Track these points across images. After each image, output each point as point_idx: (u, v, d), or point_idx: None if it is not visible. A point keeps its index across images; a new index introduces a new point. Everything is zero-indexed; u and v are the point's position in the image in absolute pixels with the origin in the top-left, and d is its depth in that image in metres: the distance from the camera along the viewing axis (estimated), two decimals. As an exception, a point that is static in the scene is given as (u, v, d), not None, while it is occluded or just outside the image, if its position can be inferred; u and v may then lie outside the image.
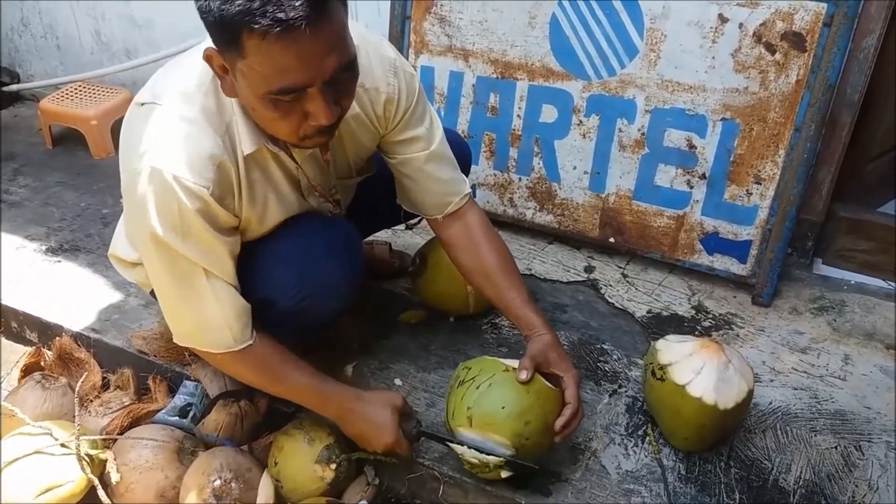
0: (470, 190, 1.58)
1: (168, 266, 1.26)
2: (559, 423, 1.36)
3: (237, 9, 1.00)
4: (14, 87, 3.11)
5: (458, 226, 1.56)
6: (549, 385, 1.39)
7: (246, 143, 1.25)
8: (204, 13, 1.06)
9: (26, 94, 3.14)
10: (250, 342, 1.34)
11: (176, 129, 1.20)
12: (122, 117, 2.84)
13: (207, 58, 1.14)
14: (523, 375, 1.37)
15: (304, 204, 1.44)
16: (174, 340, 1.39)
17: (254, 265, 1.36)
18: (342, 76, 1.12)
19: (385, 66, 1.39)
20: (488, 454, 1.35)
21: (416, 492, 1.55)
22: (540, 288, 2.04)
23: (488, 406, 1.35)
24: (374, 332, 1.85)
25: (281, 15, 0.99)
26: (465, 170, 1.78)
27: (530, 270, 2.10)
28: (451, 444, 1.40)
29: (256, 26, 1.00)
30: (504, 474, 1.38)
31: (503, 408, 1.34)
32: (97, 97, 2.77)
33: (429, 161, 1.50)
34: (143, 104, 1.25)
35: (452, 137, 1.67)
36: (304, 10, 1.00)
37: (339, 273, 1.42)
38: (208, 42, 1.15)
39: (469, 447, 1.36)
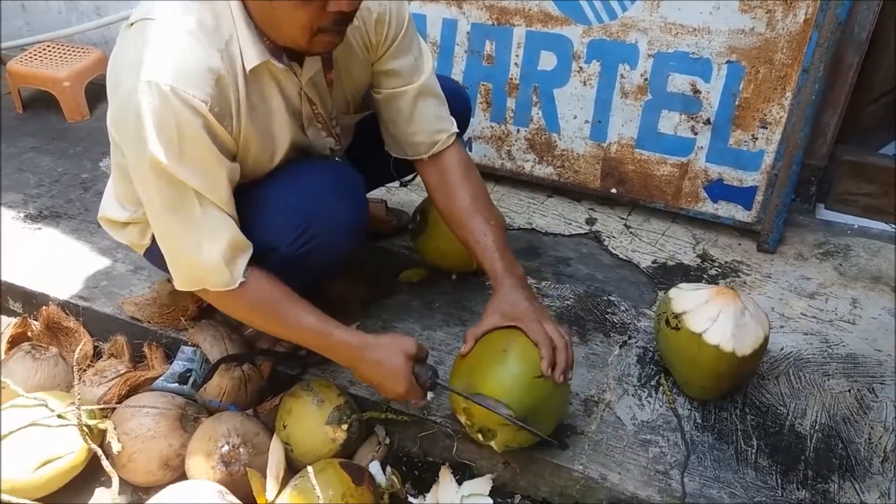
0: (456, 129, 1.51)
1: (165, 195, 1.19)
2: (543, 365, 1.27)
3: None
4: (-23, 49, 2.96)
5: (438, 167, 1.50)
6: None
7: (249, 56, 1.18)
8: None
9: (-9, 56, 2.99)
10: (251, 275, 1.27)
11: (172, 40, 1.13)
12: (96, 78, 2.73)
13: None
14: (463, 349, 1.34)
15: (302, 138, 1.37)
16: (176, 286, 1.32)
17: (254, 210, 1.30)
18: None
19: None
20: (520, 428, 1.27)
21: (427, 449, 1.52)
22: (542, 242, 1.99)
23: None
24: (375, 291, 1.80)
25: None
26: (464, 122, 1.72)
27: (531, 224, 2.05)
28: (465, 398, 1.33)
29: None
30: (515, 438, 1.31)
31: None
32: (68, 57, 2.64)
33: (419, 96, 1.44)
34: (132, 24, 1.17)
35: (449, 85, 1.60)
36: None
37: (343, 214, 1.35)
38: None
39: (485, 406, 1.29)
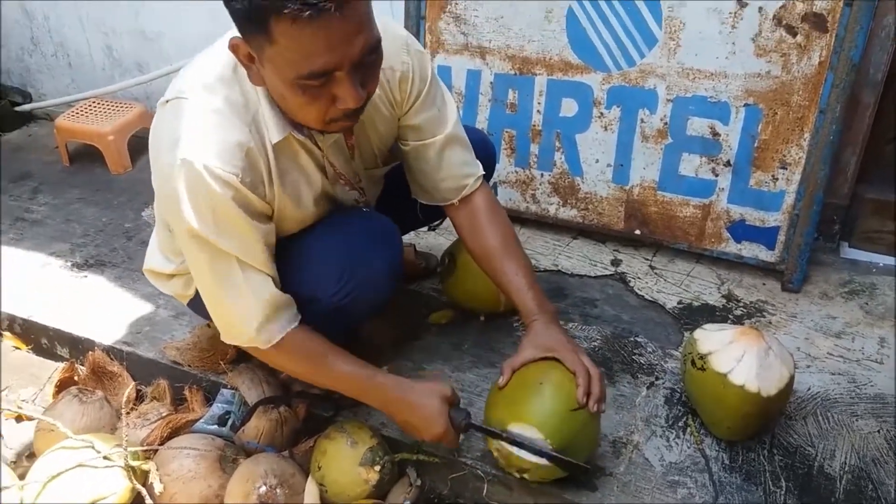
0: (483, 172, 1.58)
1: (206, 261, 1.27)
2: (579, 393, 1.32)
3: None
4: (27, 106, 3.13)
5: (467, 209, 1.56)
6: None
7: (273, 131, 1.26)
8: (230, 3, 1.07)
9: (39, 113, 3.15)
10: (289, 332, 1.34)
11: (203, 119, 1.21)
12: (138, 131, 2.87)
13: (233, 47, 1.15)
14: (500, 381, 1.39)
15: (331, 191, 1.44)
16: (222, 339, 1.40)
17: (296, 263, 1.37)
18: (368, 58, 1.13)
19: (398, 44, 1.39)
20: (538, 452, 1.32)
21: (458, 492, 1.55)
22: (568, 283, 2.03)
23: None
24: (405, 333, 1.85)
25: None
26: (490, 169, 1.79)
27: (557, 266, 2.10)
28: (498, 439, 1.36)
29: (286, 10, 1.01)
30: (550, 473, 1.36)
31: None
32: (112, 112, 2.78)
33: (445, 145, 1.51)
34: (167, 101, 1.27)
35: (475, 136, 1.67)
36: None
37: (380, 265, 1.42)
38: (223, 40, 1.17)
39: (519, 444, 1.33)
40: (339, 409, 1.64)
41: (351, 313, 1.43)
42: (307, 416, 1.65)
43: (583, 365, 1.35)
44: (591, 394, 1.33)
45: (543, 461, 1.31)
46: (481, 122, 2.18)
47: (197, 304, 1.52)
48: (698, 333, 1.53)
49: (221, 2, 1.08)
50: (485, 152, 1.68)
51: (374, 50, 1.13)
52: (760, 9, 1.79)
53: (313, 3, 1.00)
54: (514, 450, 1.33)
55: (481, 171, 1.57)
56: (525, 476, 1.36)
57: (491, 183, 2.20)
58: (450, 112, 1.51)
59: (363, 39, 1.09)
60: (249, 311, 1.30)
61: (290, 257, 1.37)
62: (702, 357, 1.48)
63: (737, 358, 1.44)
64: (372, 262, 1.41)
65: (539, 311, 1.45)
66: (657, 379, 1.69)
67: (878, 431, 1.53)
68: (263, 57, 1.11)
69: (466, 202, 1.56)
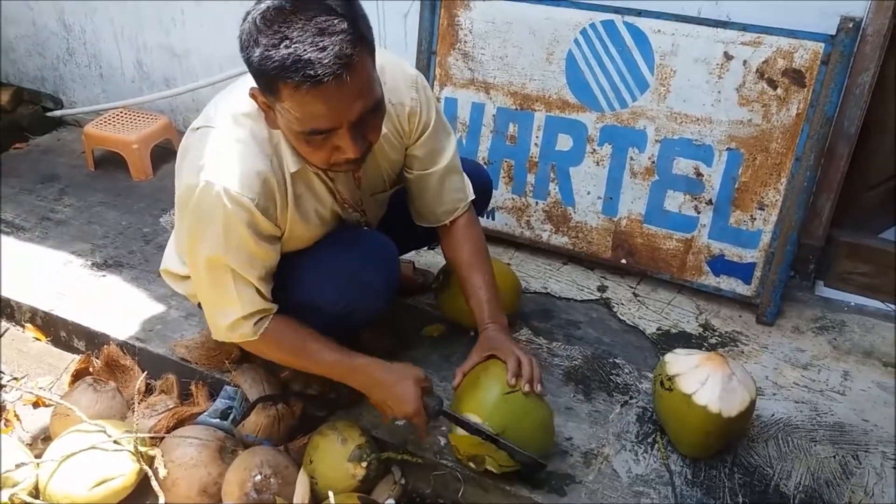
0: (472, 196, 1.75)
1: (207, 270, 1.43)
2: (507, 377, 1.50)
3: (273, 65, 1.16)
4: (58, 112, 3.29)
5: (453, 227, 1.74)
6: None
7: (290, 163, 1.42)
8: (246, 62, 1.23)
9: (69, 119, 3.32)
10: (269, 325, 1.49)
11: (228, 148, 1.37)
12: (161, 142, 3.02)
13: (253, 96, 1.32)
14: (454, 383, 1.58)
15: (340, 213, 1.60)
16: (213, 336, 1.55)
17: (302, 274, 1.52)
18: (368, 117, 1.28)
19: (408, 83, 1.56)
20: (490, 439, 1.46)
21: (439, 492, 1.66)
22: (555, 305, 2.16)
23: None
24: (399, 344, 1.98)
25: (311, 72, 1.14)
26: (486, 197, 1.95)
27: (546, 289, 2.22)
28: (463, 427, 1.50)
29: (290, 80, 1.16)
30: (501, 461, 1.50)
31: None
32: (138, 123, 2.94)
33: (445, 174, 1.68)
34: (197, 128, 1.43)
35: (473, 168, 1.85)
36: (331, 68, 1.15)
37: (379, 283, 1.58)
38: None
39: (484, 435, 1.47)
40: (334, 409, 1.76)
41: (349, 322, 1.59)
42: (303, 414, 1.78)
43: (514, 354, 1.54)
44: (520, 376, 1.51)
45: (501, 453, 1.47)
46: (483, 152, 2.32)
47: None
48: (668, 357, 1.66)
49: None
50: (481, 185, 1.86)
51: (373, 109, 1.28)
52: (745, 62, 1.94)
53: (313, 76, 1.14)
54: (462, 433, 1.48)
55: (472, 196, 1.75)
56: (489, 467, 1.51)
57: (489, 208, 2.35)
58: (451, 145, 1.68)
59: (361, 104, 1.24)
60: (235, 313, 1.46)
61: (298, 268, 1.52)
62: (670, 378, 1.60)
63: (701, 381, 1.56)
64: (371, 279, 1.56)
65: (490, 321, 1.64)
66: (631, 398, 1.81)
67: (834, 457, 1.64)
68: (275, 108, 1.27)
69: (451, 224, 1.74)
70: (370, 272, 1.56)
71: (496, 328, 1.63)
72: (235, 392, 1.79)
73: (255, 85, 1.28)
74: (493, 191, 2.31)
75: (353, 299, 1.54)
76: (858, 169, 2.14)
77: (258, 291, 1.46)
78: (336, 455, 1.59)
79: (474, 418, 1.48)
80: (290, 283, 1.52)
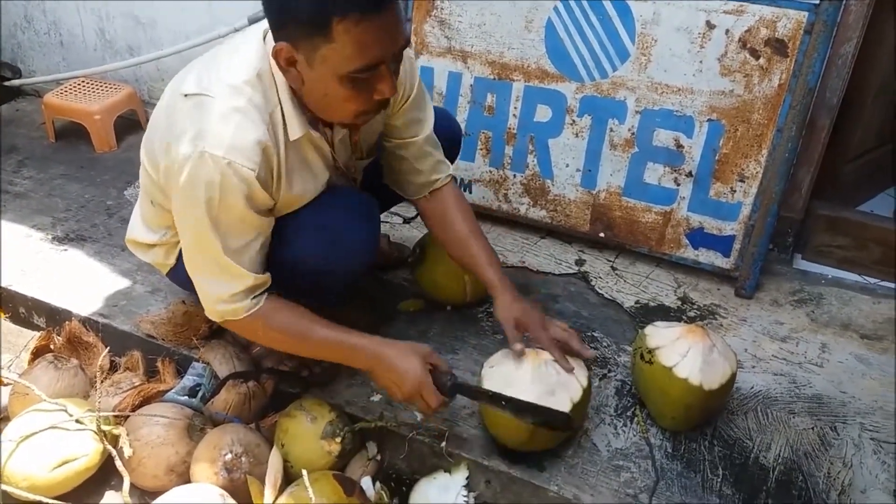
0: (451, 171, 1.72)
1: (199, 244, 1.37)
2: (564, 364, 1.51)
3: (331, 2, 1.16)
4: (16, 81, 3.15)
5: (437, 202, 1.70)
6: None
7: (293, 128, 1.37)
8: (290, 11, 1.20)
9: (28, 89, 3.18)
10: (265, 303, 1.43)
11: (228, 118, 1.30)
12: (125, 112, 2.91)
13: (276, 52, 1.27)
14: (518, 348, 1.51)
15: (332, 181, 1.55)
16: (207, 315, 1.48)
17: (286, 229, 1.46)
18: (401, 52, 1.30)
19: None
20: (522, 408, 1.42)
21: (415, 467, 1.63)
22: (533, 280, 2.12)
23: None
24: (377, 319, 1.93)
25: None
26: (455, 146, 1.92)
27: (524, 263, 2.19)
28: (483, 399, 1.47)
29: (351, 12, 1.16)
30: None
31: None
32: (100, 92, 2.83)
33: (425, 145, 1.64)
34: (187, 95, 1.35)
35: (443, 114, 1.82)
36: None
37: (359, 238, 1.52)
38: (245, 42, 1.32)
39: (505, 402, 1.42)
40: (308, 386, 1.71)
41: (333, 278, 1.52)
42: (275, 391, 1.73)
43: (552, 341, 1.53)
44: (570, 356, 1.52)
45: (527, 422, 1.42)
46: (460, 123, 2.25)
47: (176, 274, 1.60)
48: (648, 329, 1.63)
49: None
50: (451, 132, 1.83)
51: (407, 42, 1.30)
52: (727, 31, 1.90)
53: (374, 2, 1.17)
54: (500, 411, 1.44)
55: (450, 171, 1.71)
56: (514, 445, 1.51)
57: (466, 181, 2.30)
58: (430, 116, 1.64)
59: (404, 34, 1.27)
60: (230, 288, 1.39)
61: (282, 226, 1.46)
62: (650, 351, 1.57)
63: (682, 353, 1.53)
64: (353, 233, 1.50)
65: (507, 286, 1.61)
66: (609, 371, 1.78)
67: (812, 428, 1.63)
68: (315, 57, 1.23)
69: (435, 195, 1.69)
70: (352, 225, 1.51)
71: (516, 297, 1.60)
72: (204, 369, 1.73)
73: (281, 42, 1.24)
74: (470, 163, 2.28)
75: (334, 253, 1.47)
76: (839, 141, 2.13)
77: (253, 264, 1.40)
78: (307, 434, 1.54)
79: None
80: (274, 240, 1.46)
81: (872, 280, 2.16)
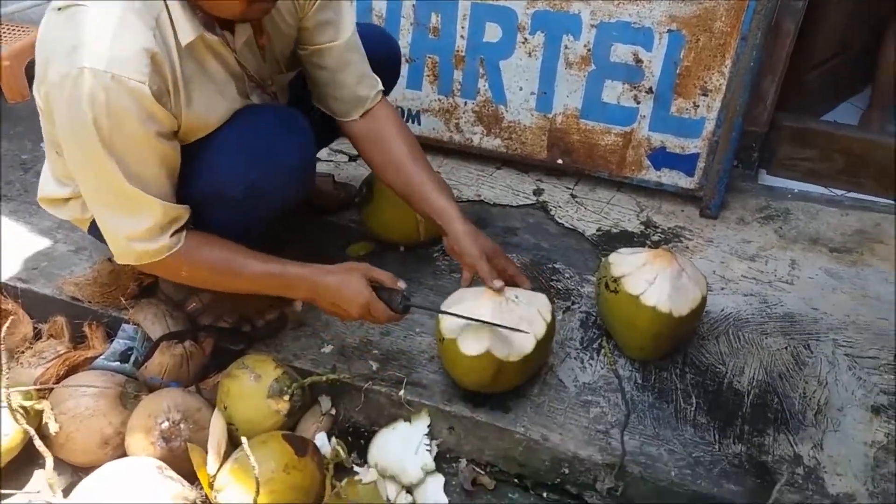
0: (382, 87, 1.55)
1: (96, 175, 1.20)
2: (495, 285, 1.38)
3: None
4: (-88, 30, 2.86)
5: (370, 124, 1.53)
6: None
7: (184, 31, 1.19)
8: None
9: (-74, 38, 2.89)
10: (187, 239, 1.29)
11: (104, 25, 1.12)
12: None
13: None
14: (499, 285, 1.38)
15: (245, 101, 1.37)
16: (116, 260, 1.33)
17: (196, 157, 1.29)
18: None
19: None
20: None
21: (373, 419, 1.52)
22: (490, 213, 2.00)
23: None
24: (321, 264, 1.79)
25: None
26: (394, 68, 1.76)
27: (479, 196, 2.06)
28: (440, 313, 1.39)
29: None
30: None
31: None
32: (7, 36, 2.56)
33: (345, 51, 1.47)
34: (60, 8, 1.16)
35: (377, 32, 1.67)
36: None
37: (289, 153, 1.35)
38: None
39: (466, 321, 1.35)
40: (251, 341, 1.58)
41: (258, 210, 1.36)
42: (215, 350, 1.59)
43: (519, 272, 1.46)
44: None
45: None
46: (403, 48, 2.08)
47: (97, 229, 1.42)
48: (612, 257, 1.53)
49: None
50: (386, 49, 1.66)
51: None
52: (684, -72, 1.75)
53: None
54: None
55: (381, 86, 1.54)
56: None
57: (414, 112, 2.14)
58: (349, 21, 1.46)
59: None
60: (142, 225, 1.24)
61: (192, 153, 1.29)
62: (615, 280, 1.47)
63: (649, 280, 1.43)
64: (280, 151, 1.33)
65: (461, 214, 1.44)
66: (573, 303, 1.68)
67: (786, 348, 1.57)
68: None
69: (368, 117, 1.52)
70: (279, 142, 1.34)
71: (472, 226, 1.44)
72: (135, 331, 1.58)
73: None
74: (417, 91, 2.11)
75: (260, 177, 1.30)
76: (803, 47, 2.01)
77: (164, 195, 1.24)
78: (252, 394, 1.41)
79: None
80: (184, 173, 1.29)
81: (839, 192, 2.09)
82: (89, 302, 1.69)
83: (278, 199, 1.38)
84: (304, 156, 1.40)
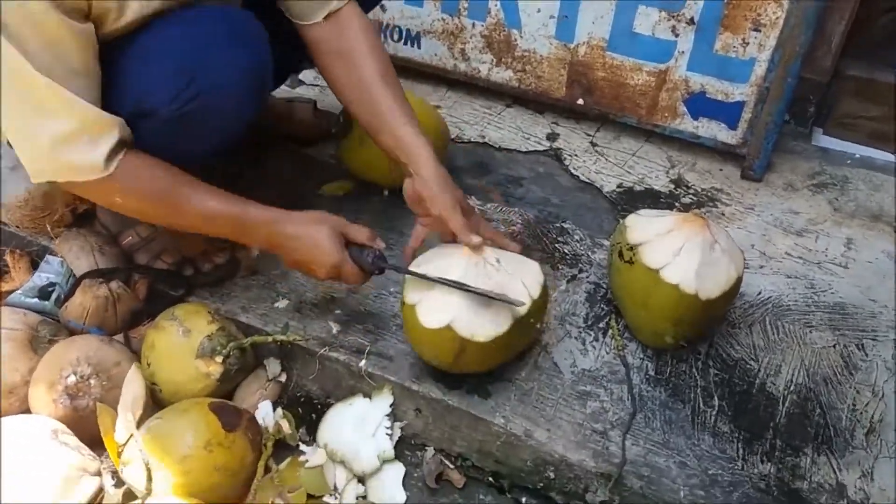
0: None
1: (6, 74, 0.95)
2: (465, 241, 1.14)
3: None
4: None
5: (334, 27, 1.24)
6: None
7: None
8: None
9: None
10: (124, 156, 1.03)
11: None
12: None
13: None
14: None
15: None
16: (32, 180, 1.07)
17: (121, 65, 1.04)
18: None
19: None
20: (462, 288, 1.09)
21: (329, 390, 1.28)
22: (494, 158, 1.72)
23: None
24: (289, 205, 1.53)
25: None
26: None
27: (483, 137, 1.77)
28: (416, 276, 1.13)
29: None
30: None
31: None
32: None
33: None
34: None
35: None
36: None
37: (237, 63, 1.08)
38: None
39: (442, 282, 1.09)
40: (193, 287, 1.34)
41: (198, 132, 1.10)
42: (151, 294, 1.35)
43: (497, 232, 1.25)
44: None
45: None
46: (405, -45, 1.78)
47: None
48: (631, 220, 1.25)
49: None
50: None
51: None
52: None
53: None
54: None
55: None
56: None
57: (413, 33, 1.85)
58: None
59: None
60: (62, 124, 0.99)
61: (120, 57, 1.04)
62: (631, 248, 1.19)
63: (673, 251, 1.16)
64: (226, 61, 1.07)
65: (425, 150, 1.18)
66: (581, 272, 1.41)
67: (834, 346, 1.29)
68: None
69: (333, 20, 1.23)
70: (223, 51, 1.07)
71: (445, 173, 1.19)
72: (62, 264, 1.35)
73: None
74: (417, 8, 1.81)
75: (199, 92, 1.05)
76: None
77: (83, 94, 0.99)
78: (179, 351, 1.17)
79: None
80: (107, 85, 1.04)
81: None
82: (17, 227, 1.45)
83: (220, 119, 1.11)
84: (254, 68, 1.12)
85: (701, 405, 1.19)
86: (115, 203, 1.11)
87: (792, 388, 1.22)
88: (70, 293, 1.28)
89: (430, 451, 1.23)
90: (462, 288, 1.08)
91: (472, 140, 1.77)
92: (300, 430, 1.25)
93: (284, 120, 1.70)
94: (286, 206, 1.47)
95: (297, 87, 1.93)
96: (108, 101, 1.04)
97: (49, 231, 1.40)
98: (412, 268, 1.14)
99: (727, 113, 1.64)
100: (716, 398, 1.20)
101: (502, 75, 1.82)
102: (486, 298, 1.07)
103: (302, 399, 1.30)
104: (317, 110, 1.73)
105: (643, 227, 1.22)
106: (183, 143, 1.10)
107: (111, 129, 1.02)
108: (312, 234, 1.14)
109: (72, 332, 1.28)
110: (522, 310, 1.09)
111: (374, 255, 1.16)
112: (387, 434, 1.20)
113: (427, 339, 1.10)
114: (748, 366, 1.25)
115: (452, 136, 1.75)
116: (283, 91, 1.85)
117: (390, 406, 1.21)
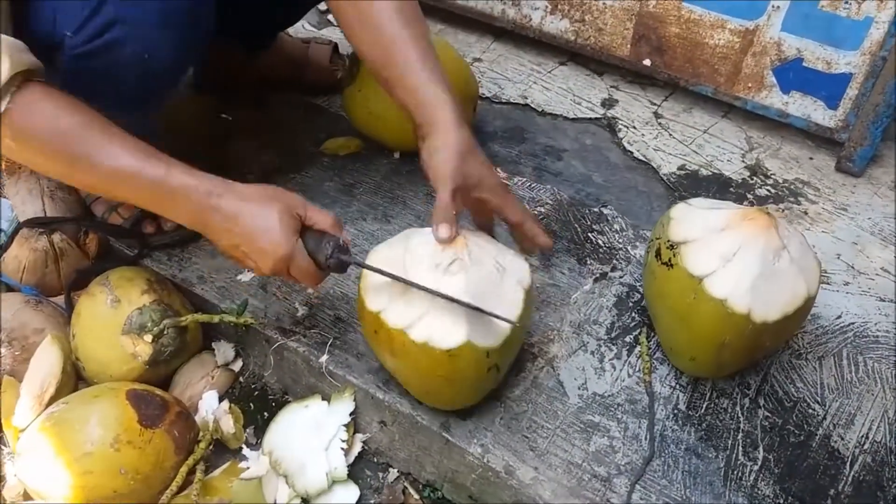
0: None
1: None
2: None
3: None
4: None
5: None
6: None
7: None
8: None
9: None
10: (21, 93, 0.82)
11: None
12: None
13: None
14: (444, 233, 0.86)
15: None
16: None
17: None
18: None
19: None
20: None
21: (288, 385, 1.08)
22: (534, 123, 1.46)
23: None
24: (285, 161, 1.33)
25: None
26: None
27: (525, 98, 1.51)
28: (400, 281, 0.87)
29: None
30: None
31: None
32: None
33: None
34: None
35: None
36: None
37: None
38: None
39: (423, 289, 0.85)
40: (148, 247, 1.15)
41: (116, 76, 0.91)
42: (101, 252, 1.18)
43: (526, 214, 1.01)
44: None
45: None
46: None
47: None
48: (678, 210, 0.97)
49: None
50: None
51: None
52: None
53: None
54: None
55: None
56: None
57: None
58: None
59: None
60: None
61: None
62: (672, 246, 0.92)
63: (725, 255, 0.88)
64: None
65: (458, 115, 0.92)
66: (613, 269, 1.14)
67: (932, 398, 0.98)
68: None
69: None
70: None
71: (470, 135, 0.93)
72: (11, 210, 1.19)
73: None
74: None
75: (107, 19, 0.87)
76: None
77: None
78: (105, 325, 1.00)
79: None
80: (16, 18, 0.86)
81: None
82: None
83: (139, 66, 0.92)
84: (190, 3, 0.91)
85: (740, 456, 0.91)
86: (10, 148, 0.87)
87: (866, 447, 0.92)
88: (6, 243, 1.12)
89: (394, 473, 1.01)
90: (441, 296, 0.83)
91: (512, 101, 1.50)
92: (247, 431, 1.06)
93: (297, 64, 1.49)
94: (281, 161, 1.29)
95: (322, 29, 1.71)
96: (22, 30, 0.85)
97: (1, 168, 1.25)
98: (372, 257, 0.90)
99: (827, 87, 1.31)
100: (761, 449, 0.92)
101: (557, 25, 1.54)
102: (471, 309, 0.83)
103: (256, 393, 1.10)
104: (337, 54, 1.51)
105: (692, 221, 0.94)
106: (102, 90, 0.91)
107: (5, 53, 0.82)
108: (258, 214, 0.88)
109: (10, 290, 1.13)
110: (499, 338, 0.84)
111: (335, 247, 0.89)
112: (342, 447, 0.99)
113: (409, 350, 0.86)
114: (811, 410, 0.96)
115: (489, 95, 1.50)
116: (303, 31, 1.64)
117: (350, 415, 1.00)
